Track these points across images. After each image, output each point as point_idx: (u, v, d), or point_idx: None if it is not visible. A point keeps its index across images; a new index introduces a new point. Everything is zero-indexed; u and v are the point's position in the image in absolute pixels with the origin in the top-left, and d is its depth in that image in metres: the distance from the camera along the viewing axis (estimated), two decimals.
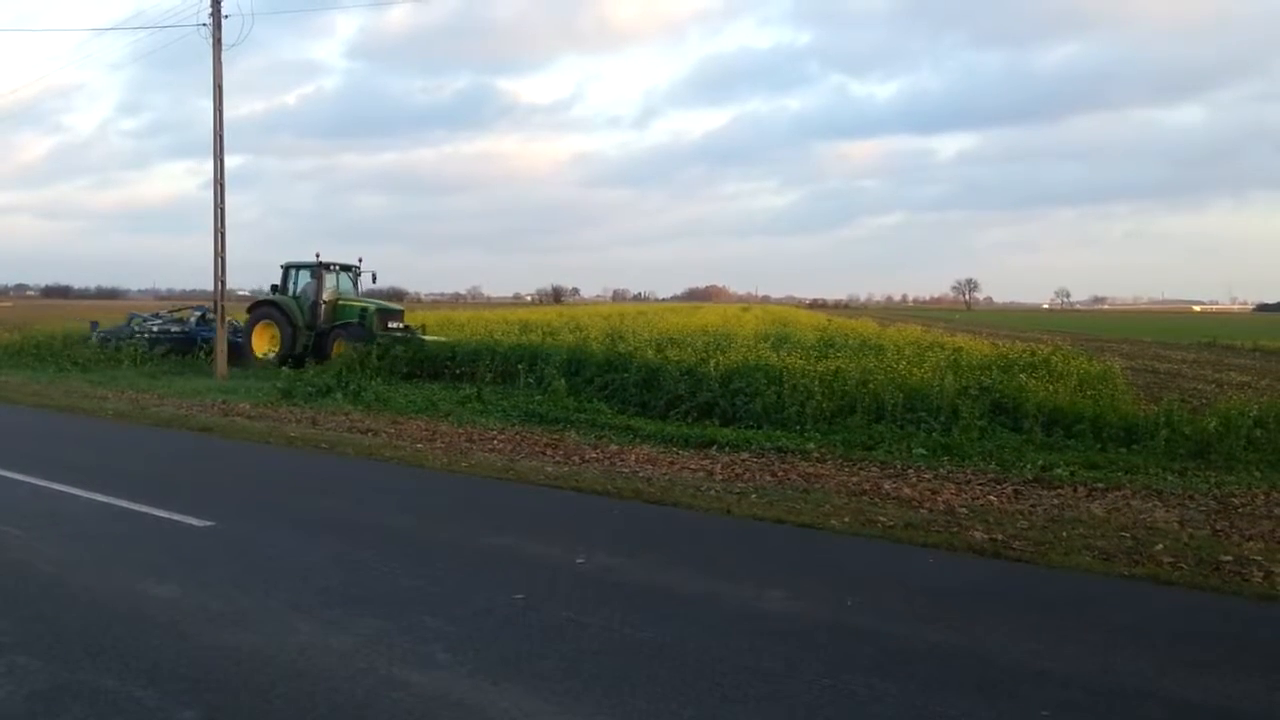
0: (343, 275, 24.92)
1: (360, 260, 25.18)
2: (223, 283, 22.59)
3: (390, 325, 23.40)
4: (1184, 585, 6.59)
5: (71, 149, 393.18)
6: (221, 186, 22.38)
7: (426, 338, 23.24)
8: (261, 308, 24.63)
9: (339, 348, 22.97)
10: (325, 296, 24.20)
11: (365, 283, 25.58)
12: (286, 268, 24.87)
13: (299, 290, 24.52)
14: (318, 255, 24.46)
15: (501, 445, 12.67)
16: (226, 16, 22.10)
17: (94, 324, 29.69)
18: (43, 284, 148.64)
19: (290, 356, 22.87)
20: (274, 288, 24.87)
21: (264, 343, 24.38)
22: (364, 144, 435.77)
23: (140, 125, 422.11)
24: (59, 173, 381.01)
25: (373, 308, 23.98)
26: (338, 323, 23.92)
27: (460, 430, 14.01)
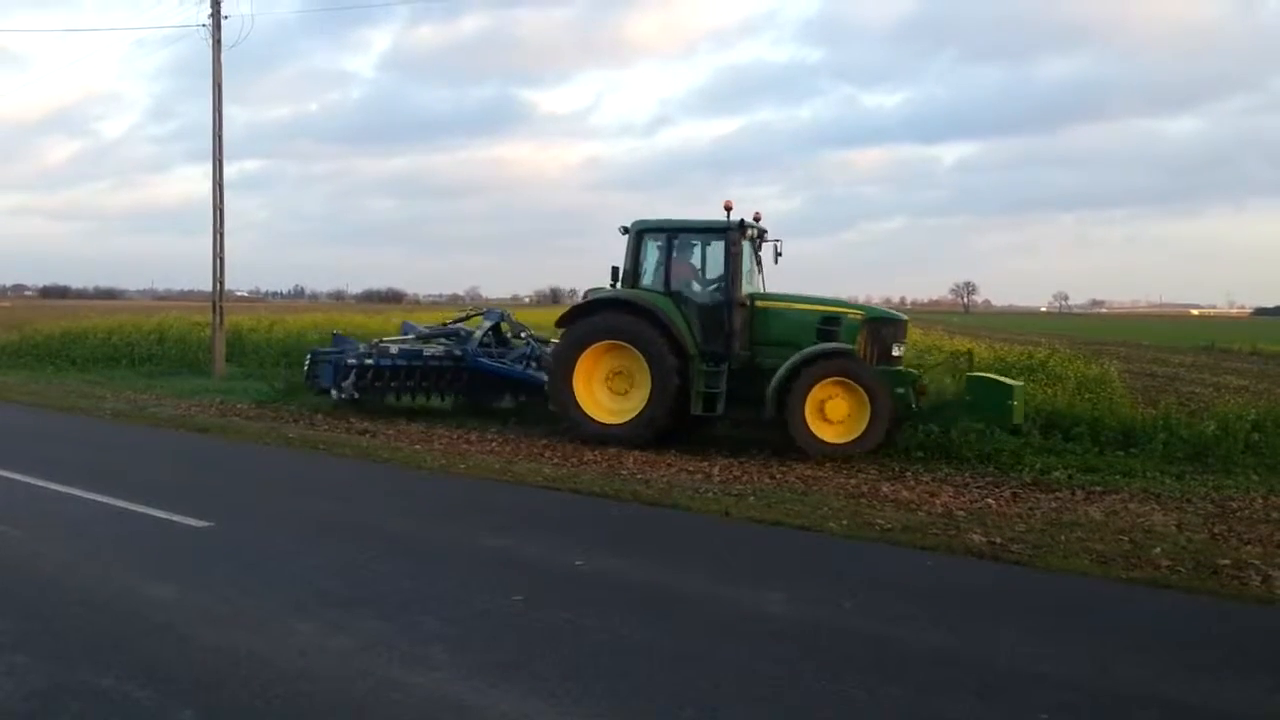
0: (683, 244, 13.51)
1: (758, 218, 13.28)
2: (221, 283, 22.62)
3: (896, 352, 12.67)
4: (1182, 589, 6.60)
5: (96, 152, 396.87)
6: (220, 188, 22.39)
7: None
8: (600, 313, 12.82)
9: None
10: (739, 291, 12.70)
11: (766, 260, 13.58)
12: (640, 232, 13.14)
13: (661, 278, 13.05)
14: (728, 207, 12.60)
15: (499, 447, 12.66)
16: (226, 18, 22.21)
17: (336, 336, 18.13)
18: (42, 284, 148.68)
19: (658, 419, 12.33)
20: (616, 273, 13.29)
21: (594, 386, 12.83)
22: (381, 149, 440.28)
23: (167, 131, 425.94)
24: (81, 176, 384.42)
25: (861, 317, 12.65)
26: (767, 342, 12.63)
27: (458, 431, 14.00)
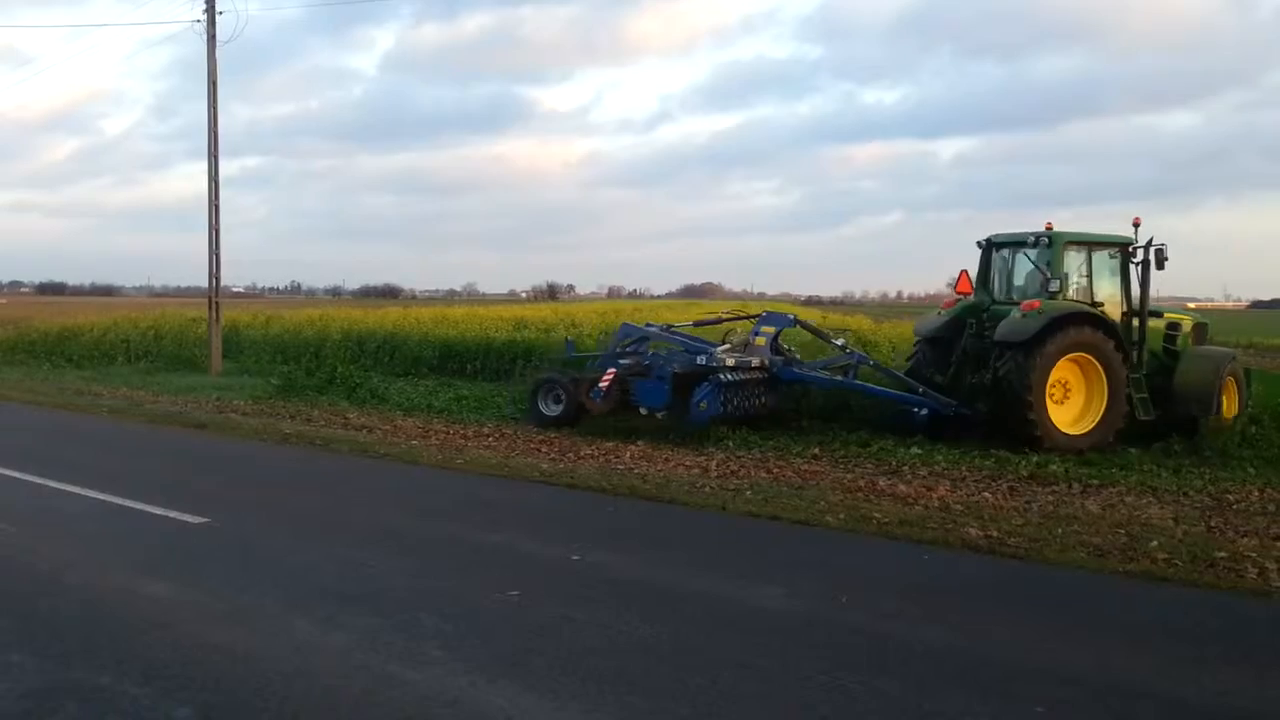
0: (1099, 257, 13.21)
1: (1137, 224, 13.10)
2: (217, 280, 22.60)
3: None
4: (1179, 582, 6.60)
5: (97, 150, 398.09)
6: (216, 184, 22.36)
7: None
8: (1067, 328, 12.16)
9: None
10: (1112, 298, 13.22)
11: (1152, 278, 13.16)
12: (1064, 245, 12.85)
13: (1083, 290, 12.96)
14: (1136, 223, 13.13)
15: (496, 442, 12.65)
16: (221, 13, 22.20)
17: (569, 342, 16.72)
18: (39, 281, 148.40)
19: (1119, 426, 12.33)
20: (983, 283, 13.61)
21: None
22: (382, 147, 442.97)
23: (169, 129, 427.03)
24: (81, 173, 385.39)
25: (1191, 322, 13.97)
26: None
27: (455, 427, 13.99)
